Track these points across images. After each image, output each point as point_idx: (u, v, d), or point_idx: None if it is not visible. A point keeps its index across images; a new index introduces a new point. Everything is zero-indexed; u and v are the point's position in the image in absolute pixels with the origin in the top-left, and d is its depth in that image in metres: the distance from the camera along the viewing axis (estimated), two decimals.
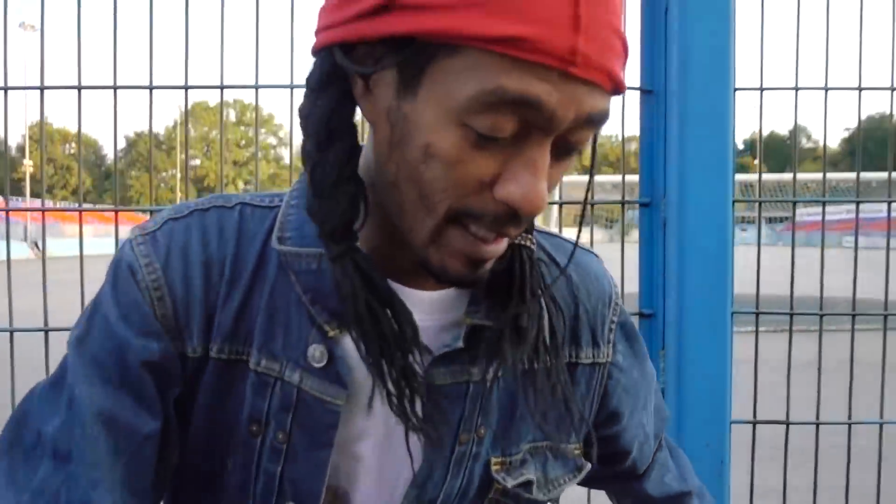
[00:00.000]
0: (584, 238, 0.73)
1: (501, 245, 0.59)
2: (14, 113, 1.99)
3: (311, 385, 0.64)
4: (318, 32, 0.59)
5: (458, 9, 0.49)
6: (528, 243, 0.66)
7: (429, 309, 0.66)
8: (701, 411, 1.40)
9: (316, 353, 0.64)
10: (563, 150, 0.56)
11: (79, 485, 0.59)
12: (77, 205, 1.61)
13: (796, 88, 1.49)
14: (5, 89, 1.41)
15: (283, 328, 0.64)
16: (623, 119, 1.48)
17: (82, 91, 1.42)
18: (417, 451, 0.65)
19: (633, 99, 1.49)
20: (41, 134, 1.71)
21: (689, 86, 1.39)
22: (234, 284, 0.64)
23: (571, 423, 0.72)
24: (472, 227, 0.56)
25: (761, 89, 1.48)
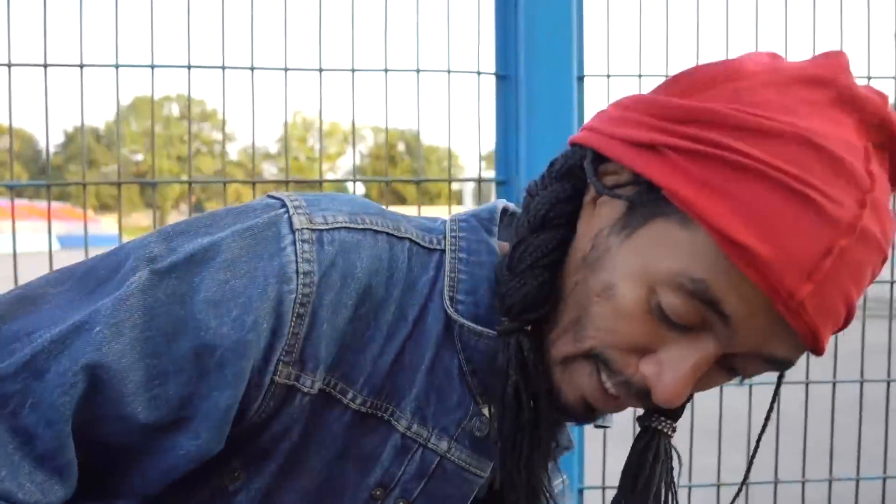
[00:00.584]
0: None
1: (619, 404, 0.58)
2: None
3: (459, 455, 0.62)
4: (585, 129, 0.61)
5: (713, 191, 0.49)
6: (668, 431, 0.62)
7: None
8: None
9: (477, 423, 0.62)
10: (727, 367, 0.55)
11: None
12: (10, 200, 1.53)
13: (639, 76, 1.60)
14: None
15: (437, 394, 0.61)
16: (479, 102, 1.57)
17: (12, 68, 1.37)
18: None
19: (488, 83, 1.58)
20: None
21: (534, 72, 1.48)
22: (393, 334, 0.59)
23: None
24: (603, 374, 0.56)
25: (608, 76, 1.59)
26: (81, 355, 0.48)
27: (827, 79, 0.53)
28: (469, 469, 0.63)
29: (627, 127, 0.55)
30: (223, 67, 1.48)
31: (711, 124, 0.51)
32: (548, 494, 0.62)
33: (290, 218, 0.56)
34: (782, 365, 0.54)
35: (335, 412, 0.58)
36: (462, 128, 1.63)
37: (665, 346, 0.53)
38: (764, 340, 0.51)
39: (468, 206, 2.18)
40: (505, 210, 0.67)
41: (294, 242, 0.54)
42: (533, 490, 0.60)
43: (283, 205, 0.57)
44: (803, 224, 0.48)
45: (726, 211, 0.48)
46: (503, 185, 1.58)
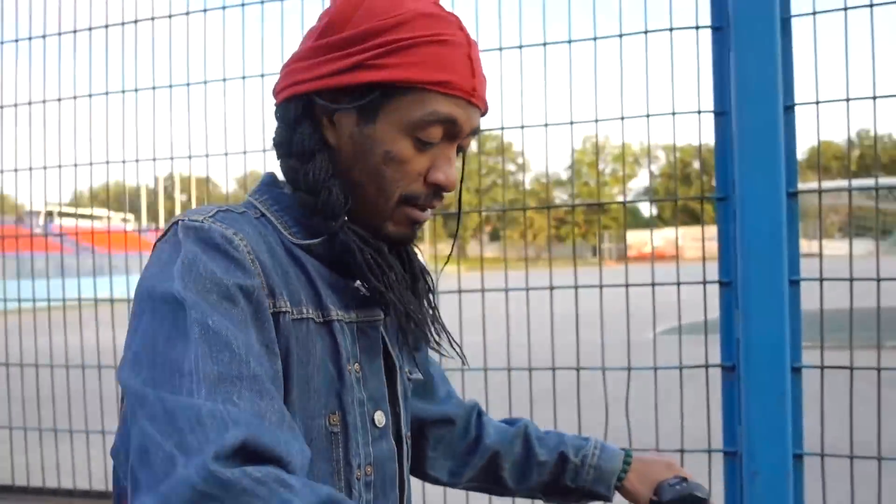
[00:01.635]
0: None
1: (428, 213, 0.90)
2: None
3: (363, 315, 0.90)
4: (286, 87, 0.89)
5: (409, 66, 0.83)
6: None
7: None
8: None
9: (359, 291, 0.90)
10: (458, 151, 0.91)
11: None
12: None
13: (847, 100, 1.87)
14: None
15: (327, 289, 0.87)
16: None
17: None
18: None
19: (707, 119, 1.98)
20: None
21: (743, 106, 1.86)
22: (280, 267, 0.83)
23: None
24: (418, 206, 0.89)
25: (816, 103, 1.88)
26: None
27: None
28: (372, 320, 0.91)
29: (323, 67, 0.85)
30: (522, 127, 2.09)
31: (377, 34, 0.83)
32: (419, 317, 0.91)
33: (198, 223, 0.79)
34: (478, 131, 0.90)
35: (294, 324, 0.81)
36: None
37: (434, 161, 0.87)
38: (471, 122, 0.87)
39: None
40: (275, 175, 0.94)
41: (212, 226, 0.79)
42: (408, 314, 0.89)
43: (194, 222, 0.79)
44: (455, 55, 0.84)
45: (423, 70, 0.82)
46: (722, 200, 1.96)
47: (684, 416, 2.06)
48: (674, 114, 2.04)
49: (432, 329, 0.96)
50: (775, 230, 1.83)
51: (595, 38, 2.11)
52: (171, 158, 2.66)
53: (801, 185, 1.89)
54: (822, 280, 1.91)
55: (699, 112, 2.00)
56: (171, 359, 0.68)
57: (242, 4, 2.56)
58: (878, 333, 1.92)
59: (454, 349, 0.99)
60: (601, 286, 2.19)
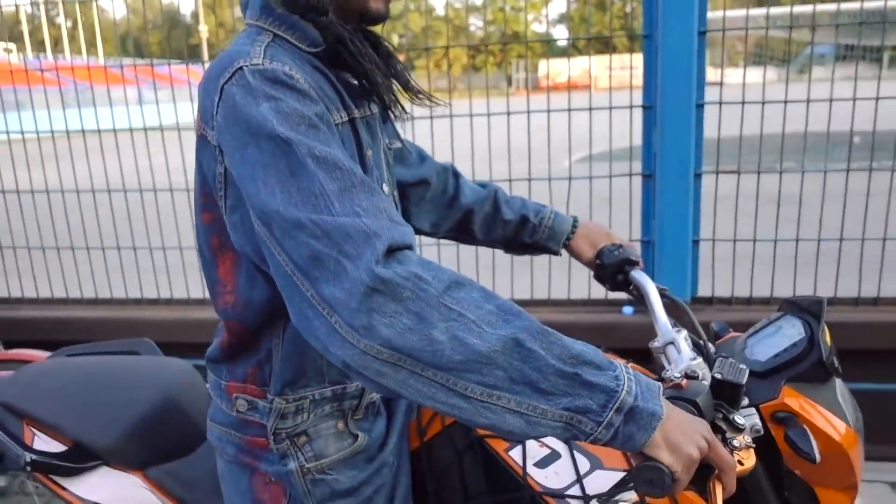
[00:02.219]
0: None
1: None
2: None
3: (366, 110, 1.08)
4: None
5: None
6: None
7: None
8: None
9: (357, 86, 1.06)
10: None
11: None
12: None
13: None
14: None
15: (345, 93, 1.03)
16: None
17: None
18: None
19: None
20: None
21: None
22: (317, 83, 0.96)
23: None
24: None
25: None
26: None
27: None
28: (373, 113, 1.10)
29: None
30: None
31: None
32: (394, 91, 1.09)
33: (258, 66, 0.90)
34: None
35: (346, 127, 1.01)
36: None
37: None
38: None
39: None
40: None
41: (271, 65, 0.91)
42: (389, 88, 1.07)
43: (256, 66, 0.91)
44: None
45: None
46: (647, 37, 2.39)
47: (612, 217, 2.61)
48: None
49: (413, 91, 1.16)
50: (688, 63, 2.29)
51: None
52: None
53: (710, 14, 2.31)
54: (720, 104, 2.42)
55: None
56: (303, 187, 0.84)
57: None
58: (760, 143, 2.46)
59: (429, 100, 1.18)
60: (528, 112, 2.59)
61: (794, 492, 1.07)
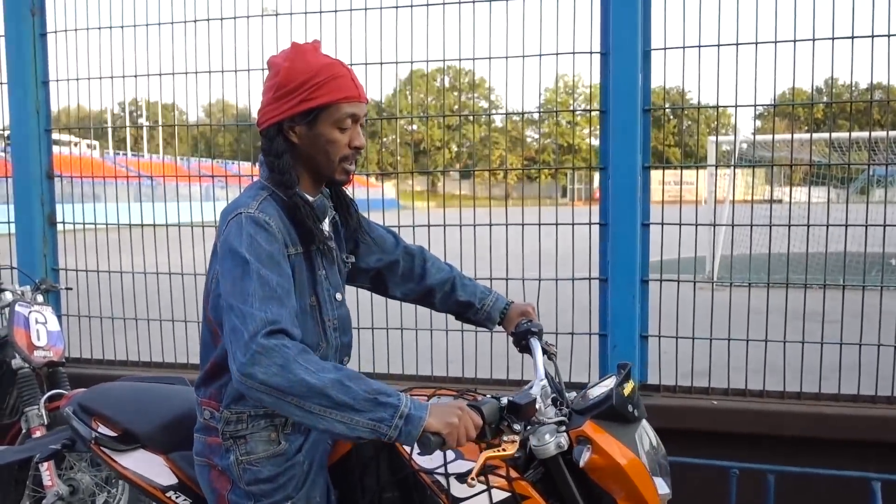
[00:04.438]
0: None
1: (353, 166, 1.68)
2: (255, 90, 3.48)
3: (328, 247, 1.72)
4: (265, 121, 1.64)
5: (326, 94, 1.59)
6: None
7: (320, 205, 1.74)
8: None
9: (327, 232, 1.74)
10: (360, 126, 1.69)
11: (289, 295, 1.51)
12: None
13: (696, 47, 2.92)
14: (248, 71, 3.27)
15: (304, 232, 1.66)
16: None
17: None
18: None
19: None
20: None
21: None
22: (285, 227, 1.61)
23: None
24: (348, 162, 1.67)
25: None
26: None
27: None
28: (328, 245, 1.72)
29: (283, 104, 1.62)
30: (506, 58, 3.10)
31: (306, 82, 1.60)
32: (331, 242, 1.75)
33: (248, 213, 1.57)
34: (366, 113, 1.70)
35: (296, 259, 1.64)
36: None
37: (351, 135, 1.64)
38: (362, 111, 1.66)
39: None
40: None
41: (257, 215, 1.56)
42: (326, 241, 1.72)
43: (247, 213, 1.57)
44: (346, 80, 1.62)
45: (334, 94, 1.60)
46: (603, 170, 3.02)
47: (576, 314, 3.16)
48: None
49: (360, 231, 1.90)
50: (632, 192, 2.91)
51: None
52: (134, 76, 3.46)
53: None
54: (662, 224, 3.00)
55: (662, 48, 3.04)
56: (243, 289, 1.47)
57: None
58: (714, 263, 3.01)
59: (367, 236, 1.95)
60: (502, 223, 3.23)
61: (600, 498, 1.58)
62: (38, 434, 2.98)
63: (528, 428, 1.57)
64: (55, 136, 3.91)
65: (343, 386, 1.38)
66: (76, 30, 3.70)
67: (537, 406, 1.59)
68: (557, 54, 3.01)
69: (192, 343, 3.71)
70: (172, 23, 3.54)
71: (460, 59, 3.21)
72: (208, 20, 3.48)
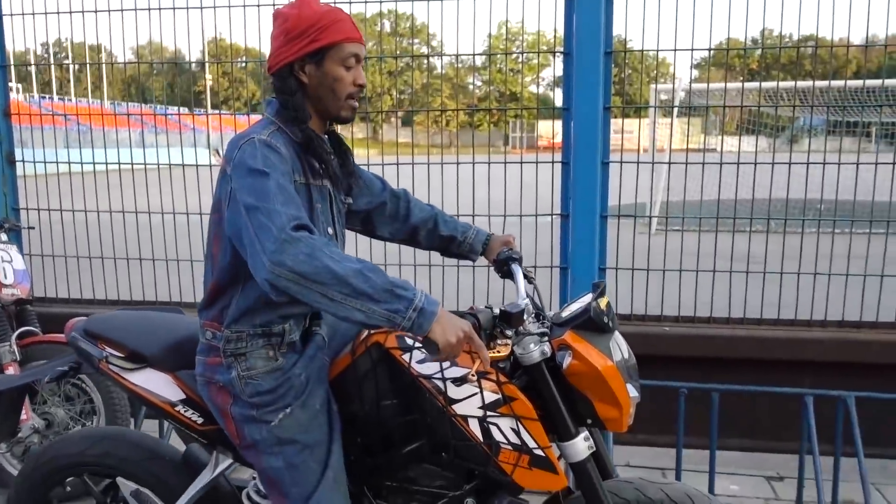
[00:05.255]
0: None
1: (356, 102, 1.84)
2: (193, 31, 3.62)
3: (321, 181, 1.83)
4: (275, 64, 1.78)
5: (330, 35, 1.74)
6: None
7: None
8: None
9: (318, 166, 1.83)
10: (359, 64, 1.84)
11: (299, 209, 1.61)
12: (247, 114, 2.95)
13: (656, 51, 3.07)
14: (187, 9, 3.21)
15: (308, 165, 1.79)
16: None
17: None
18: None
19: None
20: (217, 49, 3.15)
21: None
22: (291, 156, 1.73)
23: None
24: (354, 98, 1.82)
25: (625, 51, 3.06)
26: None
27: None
28: (324, 184, 1.85)
29: (293, 46, 1.76)
30: None
31: (312, 27, 1.74)
32: (344, 175, 1.93)
33: (257, 138, 1.69)
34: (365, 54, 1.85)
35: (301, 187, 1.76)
36: None
37: (355, 75, 1.79)
38: (363, 52, 1.81)
39: None
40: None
41: (266, 138, 1.70)
42: (335, 174, 1.87)
43: (256, 137, 1.69)
44: (346, 23, 1.78)
45: (336, 35, 1.75)
46: (566, 110, 3.16)
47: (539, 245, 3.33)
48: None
49: (354, 176, 2.00)
50: (594, 130, 3.07)
51: None
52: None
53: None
54: (621, 163, 3.17)
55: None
56: (265, 193, 1.59)
57: None
58: (669, 200, 3.21)
59: (352, 188, 2.03)
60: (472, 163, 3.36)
61: (578, 400, 1.75)
62: (10, 371, 3.02)
63: (515, 337, 1.75)
64: None
65: (364, 276, 1.50)
66: None
67: (524, 317, 1.76)
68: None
69: (150, 280, 3.75)
70: None
71: (396, 1, 3.25)
72: None
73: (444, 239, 2.19)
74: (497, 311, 1.71)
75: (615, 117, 3.55)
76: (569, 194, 3.21)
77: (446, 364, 1.76)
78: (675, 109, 11.68)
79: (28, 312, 3.21)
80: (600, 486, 1.78)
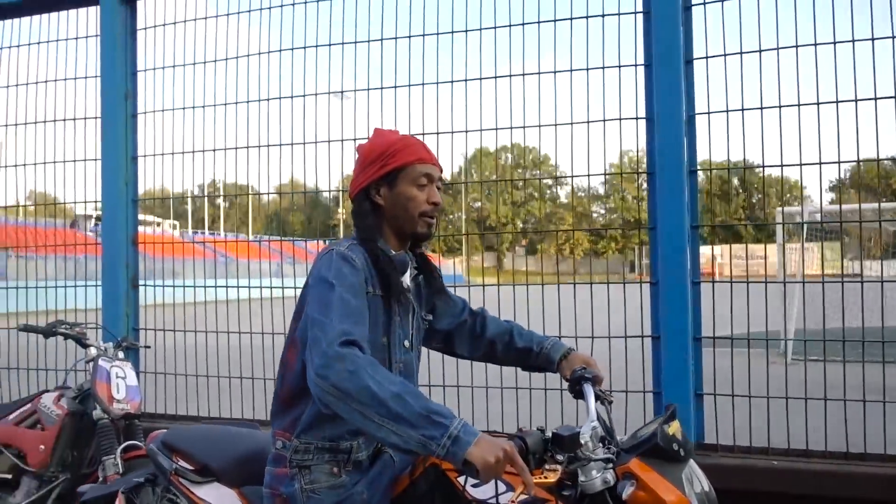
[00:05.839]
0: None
1: (434, 220, 1.96)
2: (332, 165, 3.83)
3: (405, 296, 1.96)
4: (355, 189, 1.96)
5: (403, 157, 1.91)
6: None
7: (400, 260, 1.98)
8: None
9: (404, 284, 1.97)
10: (437, 188, 1.98)
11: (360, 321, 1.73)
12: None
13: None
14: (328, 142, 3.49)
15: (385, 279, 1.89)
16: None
17: None
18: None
19: None
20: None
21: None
22: (368, 270, 1.84)
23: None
24: (428, 216, 1.94)
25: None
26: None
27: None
28: (406, 297, 1.97)
29: (367, 171, 1.94)
30: (552, 126, 3.30)
31: (384, 152, 1.93)
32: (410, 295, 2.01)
33: (339, 250, 1.83)
34: (441, 176, 2.00)
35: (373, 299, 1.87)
36: None
37: (429, 193, 1.92)
38: (437, 173, 1.96)
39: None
40: None
41: (346, 252, 1.82)
42: (404, 291, 1.95)
43: (337, 250, 1.84)
44: (418, 146, 1.96)
45: (409, 157, 1.92)
46: (652, 229, 3.13)
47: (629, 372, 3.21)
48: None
49: (440, 295, 2.13)
50: (682, 250, 3.00)
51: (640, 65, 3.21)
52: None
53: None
54: (713, 282, 3.06)
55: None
56: (326, 306, 1.69)
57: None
58: (767, 324, 3.05)
59: (447, 300, 2.18)
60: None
61: None
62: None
63: (576, 463, 1.66)
64: (142, 216, 4.27)
65: (402, 400, 1.53)
66: (163, 110, 4.11)
67: (583, 441, 1.67)
68: (605, 121, 3.19)
69: (259, 401, 3.90)
70: (248, 101, 3.89)
71: (511, 128, 3.42)
72: (279, 98, 3.82)
73: (521, 351, 2.18)
74: (549, 434, 1.65)
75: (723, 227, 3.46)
76: (658, 316, 3.11)
77: (502, 488, 1.71)
78: (805, 228, 11.13)
79: (135, 427, 3.39)
80: None
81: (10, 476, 3.31)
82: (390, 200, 1.92)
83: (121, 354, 3.50)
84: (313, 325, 1.68)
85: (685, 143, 3.04)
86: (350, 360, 1.57)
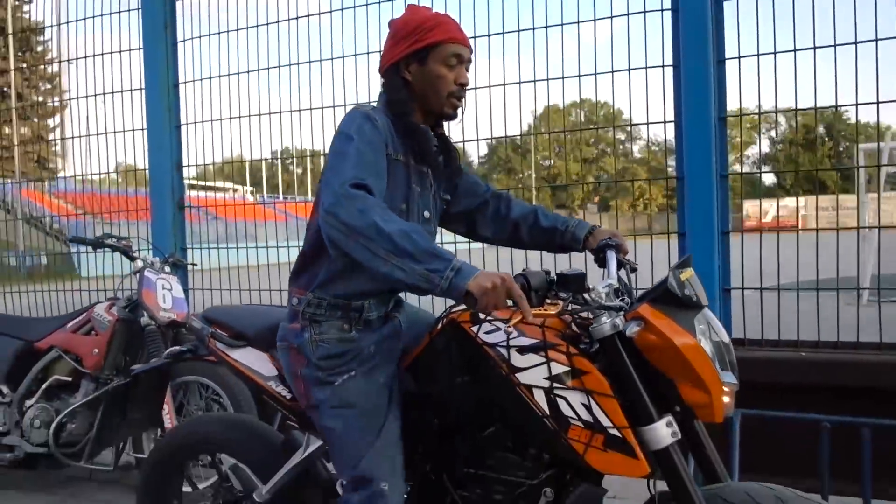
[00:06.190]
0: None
1: (461, 101, 1.96)
2: None
3: (421, 164, 1.96)
4: (385, 63, 1.95)
5: (435, 35, 1.88)
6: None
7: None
8: None
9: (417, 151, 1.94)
10: (465, 67, 1.95)
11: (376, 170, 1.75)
12: None
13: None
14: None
15: (407, 147, 1.91)
16: None
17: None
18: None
19: None
20: None
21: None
22: (390, 133, 1.85)
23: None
24: (455, 97, 1.93)
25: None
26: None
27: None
28: (424, 169, 1.98)
29: (400, 46, 1.92)
30: (626, 69, 3.15)
31: (417, 28, 1.90)
32: (444, 166, 2.05)
33: (363, 109, 1.86)
34: (470, 57, 1.96)
35: (392, 162, 1.86)
36: None
37: (457, 73, 1.92)
38: (467, 54, 1.94)
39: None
40: None
41: (370, 111, 1.85)
42: (435, 164, 2.01)
43: (363, 109, 1.86)
44: (451, 25, 1.92)
45: (441, 35, 1.90)
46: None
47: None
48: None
49: (458, 176, 2.13)
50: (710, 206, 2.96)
51: None
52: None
53: None
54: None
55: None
56: (343, 156, 1.72)
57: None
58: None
59: (465, 181, 2.18)
60: None
61: (660, 382, 1.64)
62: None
63: (584, 306, 1.68)
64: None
65: (408, 236, 1.58)
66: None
67: (588, 285, 1.69)
68: (629, 70, 3.19)
69: None
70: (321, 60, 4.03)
71: (563, 77, 3.39)
72: (354, 55, 3.96)
73: (546, 231, 2.16)
74: (553, 275, 1.66)
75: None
76: (684, 212, 3.07)
77: (513, 333, 1.75)
78: (884, 171, 10.44)
79: (183, 335, 3.57)
80: (687, 476, 1.61)
81: (70, 379, 3.58)
82: (419, 77, 1.92)
83: (167, 269, 3.70)
84: (327, 171, 1.73)
85: (713, 91, 2.95)
86: (360, 200, 1.62)
